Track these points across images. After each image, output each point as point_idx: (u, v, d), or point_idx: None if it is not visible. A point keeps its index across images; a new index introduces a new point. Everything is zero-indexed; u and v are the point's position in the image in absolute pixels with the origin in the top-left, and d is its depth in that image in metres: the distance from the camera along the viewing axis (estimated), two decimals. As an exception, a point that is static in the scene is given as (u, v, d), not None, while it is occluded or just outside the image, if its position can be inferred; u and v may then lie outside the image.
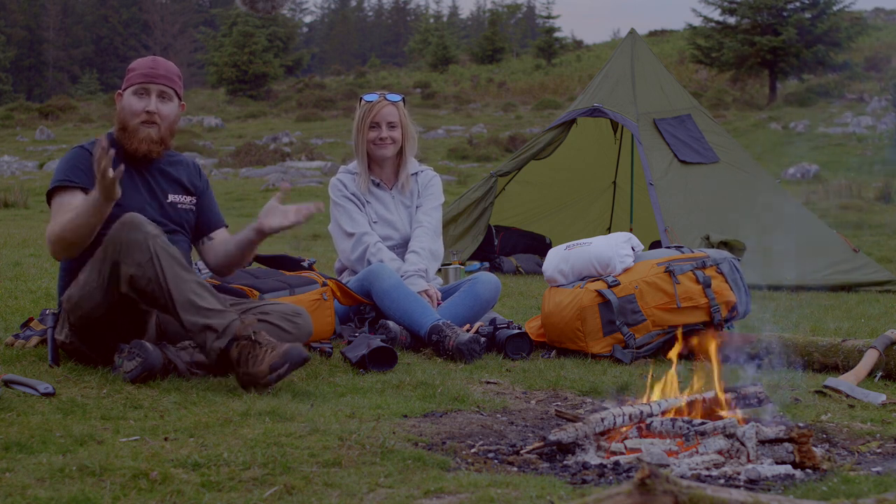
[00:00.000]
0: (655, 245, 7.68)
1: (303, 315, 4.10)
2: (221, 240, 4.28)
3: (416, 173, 5.36)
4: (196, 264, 4.35)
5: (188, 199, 4.21)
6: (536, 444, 3.10)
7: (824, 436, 3.38)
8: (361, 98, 5.31)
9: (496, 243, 8.91)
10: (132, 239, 3.68)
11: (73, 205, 3.89)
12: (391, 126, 5.21)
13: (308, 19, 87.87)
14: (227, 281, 4.49)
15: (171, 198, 4.15)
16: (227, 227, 4.37)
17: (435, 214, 5.30)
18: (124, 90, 4.09)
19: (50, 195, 4.00)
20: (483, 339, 4.61)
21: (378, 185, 5.29)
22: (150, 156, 4.08)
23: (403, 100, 5.32)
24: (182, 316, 3.67)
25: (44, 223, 11.42)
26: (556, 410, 3.42)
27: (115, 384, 3.63)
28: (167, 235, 4.05)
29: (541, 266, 5.51)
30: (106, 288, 3.77)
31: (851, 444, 3.30)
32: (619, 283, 4.70)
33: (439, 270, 5.77)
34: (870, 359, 4.26)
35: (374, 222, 5.23)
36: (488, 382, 4.13)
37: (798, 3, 32.52)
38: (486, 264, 8.65)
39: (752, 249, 7.35)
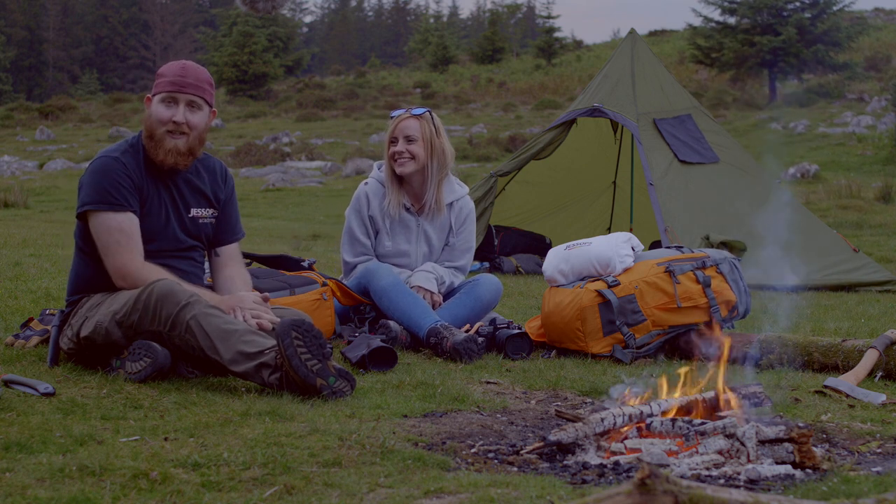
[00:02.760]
0: (655, 245, 7.68)
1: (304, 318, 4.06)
2: (225, 264, 4.17)
3: (452, 203, 5.17)
4: (206, 273, 4.32)
5: (209, 211, 4.12)
6: (536, 444, 3.10)
7: (824, 436, 3.38)
8: (391, 115, 5.15)
9: (496, 243, 8.91)
10: (167, 313, 3.66)
11: (134, 232, 3.85)
12: (409, 140, 5.00)
13: (308, 19, 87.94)
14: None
15: (193, 212, 4.06)
16: (242, 237, 4.30)
17: (464, 259, 5.17)
18: (153, 95, 3.97)
19: (90, 212, 3.88)
20: (481, 339, 4.61)
21: (408, 210, 5.10)
22: (177, 167, 3.98)
23: (430, 112, 5.11)
24: (234, 369, 3.62)
25: (43, 223, 11.43)
26: (556, 410, 3.42)
27: (115, 384, 3.63)
28: (184, 252, 4.03)
29: (541, 266, 5.51)
30: (130, 337, 3.75)
31: (851, 444, 3.30)
32: (619, 283, 4.70)
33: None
34: (870, 359, 4.26)
35: (384, 252, 5.07)
36: (488, 382, 4.12)
37: (798, 3, 32.53)
38: (486, 264, 8.65)
39: (752, 249, 7.35)
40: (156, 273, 3.83)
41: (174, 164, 3.96)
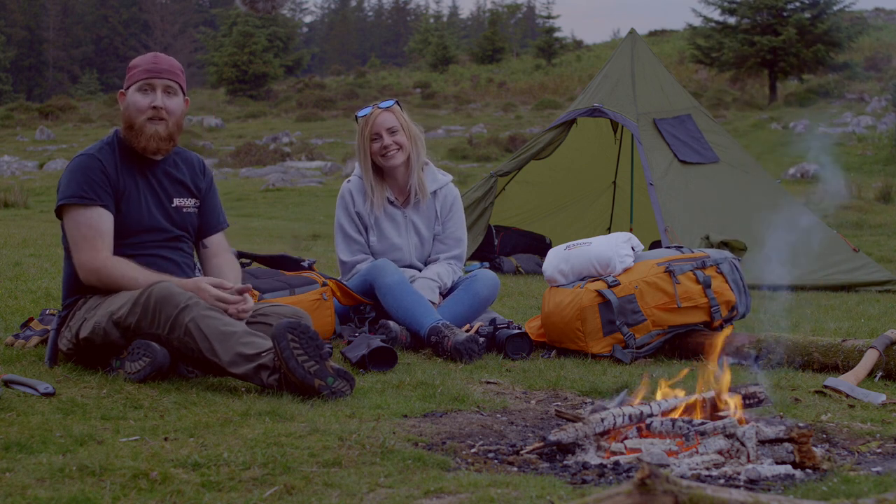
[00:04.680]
0: (655, 245, 7.68)
1: (303, 317, 4.08)
2: (214, 253, 4.20)
3: (436, 191, 5.18)
4: (196, 266, 4.33)
5: (192, 201, 4.15)
6: (536, 444, 3.10)
7: (824, 436, 3.38)
8: (356, 116, 5.16)
9: (496, 243, 8.91)
10: (165, 316, 3.66)
11: (103, 227, 3.85)
12: (392, 132, 5.04)
13: (308, 19, 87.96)
14: (227, 281, 4.48)
15: (175, 202, 4.09)
16: (226, 227, 4.33)
17: (458, 247, 5.18)
18: (127, 88, 4.01)
19: (62, 208, 3.91)
20: (481, 339, 4.61)
21: (392, 203, 5.14)
22: (160, 153, 4.01)
23: (398, 103, 5.15)
24: (233, 371, 3.62)
25: (43, 223, 11.43)
26: (556, 410, 3.42)
27: (115, 384, 3.63)
28: (172, 242, 4.04)
29: (541, 266, 5.51)
30: (129, 338, 3.75)
31: (851, 444, 3.30)
32: (619, 283, 4.70)
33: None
34: (870, 359, 4.26)
35: (374, 248, 5.10)
36: (488, 382, 4.12)
37: (798, 3, 32.51)
38: (486, 264, 8.65)
39: (752, 249, 7.35)
40: (123, 266, 3.84)
41: (156, 149, 3.99)
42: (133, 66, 4.04)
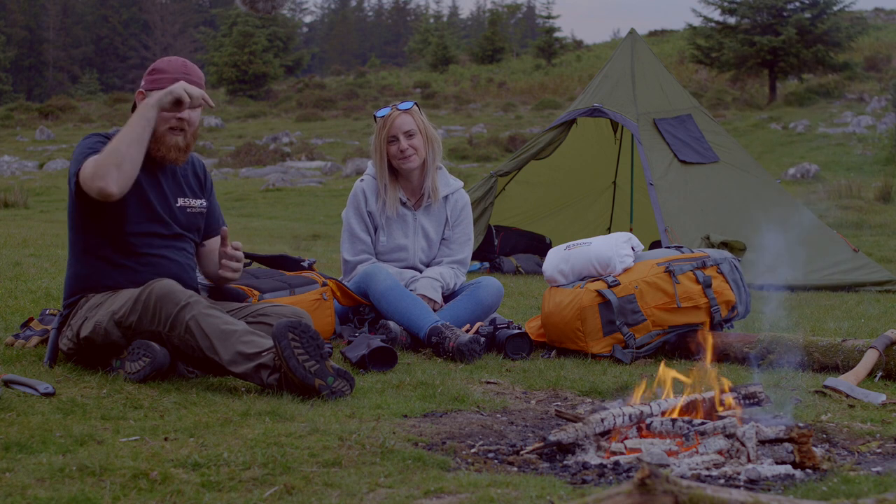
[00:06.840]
0: (655, 245, 7.68)
1: (303, 317, 4.07)
2: (211, 250, 4.20)
3: (447, 196, 5.18)
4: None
5: (198, 202, 4.13)
6: (536, 445, 3.10)
7: (824, 436, 3.38)
8: (374, 115, 5.14)
9: (496, 243, 8.91)
10: (166, 314, 3.66)
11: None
12: (409, 135, 5.02)
13: (308, 19, 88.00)
14: (227, 281, 4.48)
15: (179, 202, 4.07)
16: (225, 226, 4.32)
17: (463, 252, 5.18)
18: (149, 90, 3.93)
19: (80, 173, 3.80)
20: (483, 340, 4.61)
21: (404, 205, 5.12)
22: (178, 162, 4.00)
23: (417, 105, 5.12)
24: (233, 369, 3.62)
25: (44, 223, 11.44)
26: (556, 410, 3.42)
27: (115, 384, 3.63)
28: (176, 241, 4.03)
29: (541, 266, 5.51)
30: (130, 337, 3.75)
31: (851, 444, 3.30)
32: (619, 283, 4.70)
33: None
34: (870, 359, 4.26)
35: (382, 248, 5.09)
36: (488, 382, 4.12)
37: (798, 3, 32.49)
38: (486, 264, 8.66)
39: (752, 249, 7.35)
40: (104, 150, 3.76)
41: (175, 159, 3.99)
42: (160, 69, 3.97)
